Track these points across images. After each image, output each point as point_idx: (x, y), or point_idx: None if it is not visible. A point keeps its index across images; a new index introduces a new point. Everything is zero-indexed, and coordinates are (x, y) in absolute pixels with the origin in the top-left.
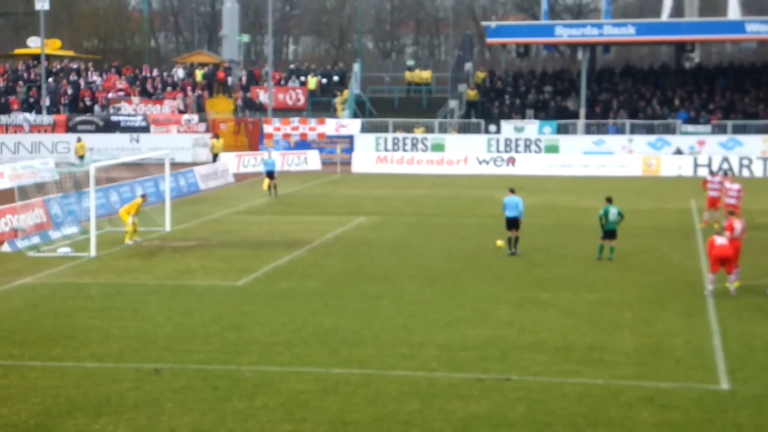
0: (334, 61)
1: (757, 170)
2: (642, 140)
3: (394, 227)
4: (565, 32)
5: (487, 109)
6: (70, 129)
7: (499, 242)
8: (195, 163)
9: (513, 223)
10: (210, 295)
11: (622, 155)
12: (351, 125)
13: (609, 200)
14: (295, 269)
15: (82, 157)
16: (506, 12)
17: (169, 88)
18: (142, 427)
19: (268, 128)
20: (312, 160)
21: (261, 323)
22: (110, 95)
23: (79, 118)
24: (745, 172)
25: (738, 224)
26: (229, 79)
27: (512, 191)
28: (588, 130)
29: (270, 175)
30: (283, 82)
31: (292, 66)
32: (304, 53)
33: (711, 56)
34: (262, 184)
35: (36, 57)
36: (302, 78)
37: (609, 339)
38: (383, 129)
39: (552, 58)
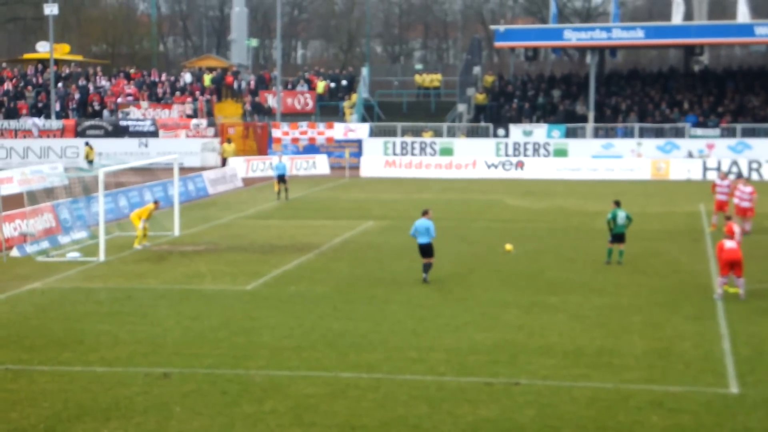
0: (342, 65)
1: (767, 173)
2: (651, 144)
3: (402, 231)
4: (573, 36)
5: (495, 113)
6: (79, 134)
7: (508, 246)
8: (204, 168)
9: (426, 251)
10: (219, 300)
11: (630, 159)
12: (359, 129)
13: (617, 204)
14: (304, 273)
15: (91, 162)
16: (515, 16)
17: (177, 93)
18: (151, 431)
19: (276, 132)
20: (320, 165)
21: (270, 327)
22: (119, 100)
23: (87, 123)
24: (755, 176)
25: (737, 228)
26: (243, 83)
27: (425, 213)
28: (597, 134)
29: (281, 178)
30: (291, 86)
31: (304, 74)
32: (312, 57)
33: (720, 59)
34: (274, 188)
35: (45, 62)
36: (310, 81)
37: (618, 343)
38: (392, 133)
39: (560, 62)
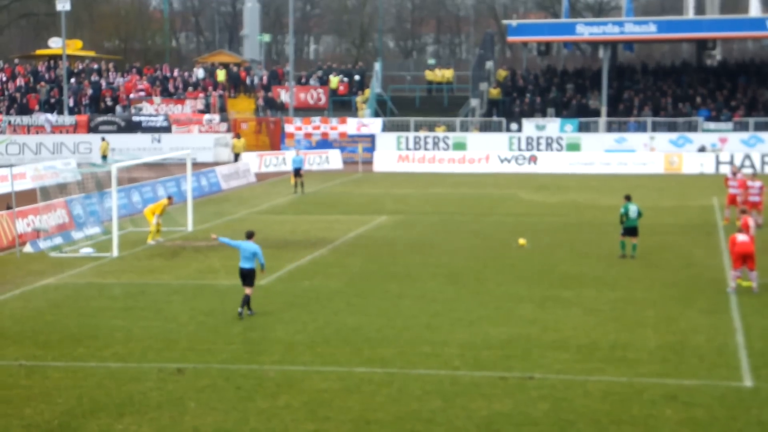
0: (355, 61)
1: None
2: (664, 138)
3: (416, 226)
4: (586, 30)
5: (508, 108)
6: (92, 129)
7: (522, 240)
8: (216, 163)
9: (247, 277)
10: (232, 295)
11: (643, 153)
12: (372, 124)
13: (628, 198)
14: (318, 268)
15: (105, 158)
16: (527, 10)
17: (190, 88)
18: (166, 426)
19: (289, 128)
20: (333, 160)
21: (284, 323)
22: (131, 95)
23: (100, 119)
24: (767, 170)
25: (752, 222)
26: (255, 79)
27: (250, 236)
28: (609, 128)
29: (297, 172)
30: (304, 81)
31: (319, 70)
32: (325, 52)
33: (732, 53)
34: (290, 181)
35: (57, 57)
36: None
37: (632, 337)
38: (405, 128)
39: (573, 56)
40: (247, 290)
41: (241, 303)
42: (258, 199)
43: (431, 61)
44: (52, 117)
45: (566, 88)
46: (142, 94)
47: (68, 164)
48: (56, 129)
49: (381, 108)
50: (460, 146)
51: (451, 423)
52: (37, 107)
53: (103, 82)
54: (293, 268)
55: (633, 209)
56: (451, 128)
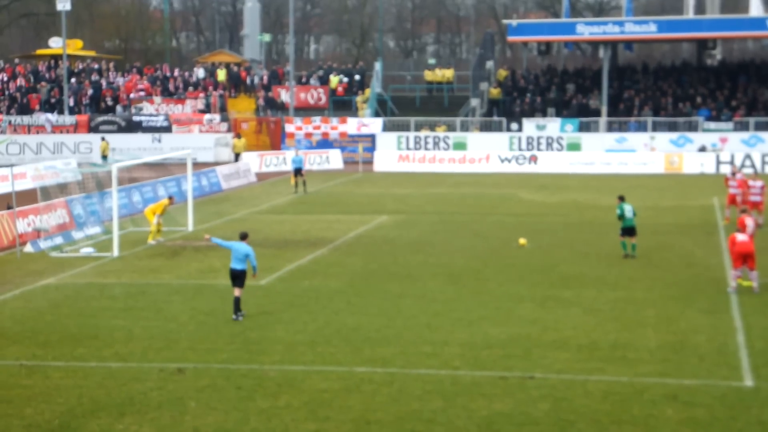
0: (355, 60)
1: None
2: (664, 138)
3: (416, 226)
4: (586, 30)
5: (508, 108)
6: (92, 129)
7: (522, 240)
8: (217, 163)
9: (237, 278)
10: (232, 295)
11: (644, 153)
12: (373, 124)
13: (622, 198)
14: (318, 268)
15: (105, 157)
16: (527, 10)
17: (190, 88)
18: (166, 426)
19: (289, 127)
20: (334, 159)
21: (284, 322)
22: (132, 95)
23: (101, 119)
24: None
25: (750, 221)
26: (255, 79)
27: (244, 238)
28: (610, 128)
29: (297, 171)
30: (304, 81)
31: (321, 70)
32: (325, 52)
33: (733, 53)
34: (291, 181)
35: (58, 57)
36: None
37: (632, 336)
38: (405, 128)
39: (573, 56)
40: (236, 291)
41: (234, 308)
42: (258, 199)
43: (431, 61)
44: (53, 117)
45: (566, 87)
46: (143, 93)
47: (69, 164)
48: (57, 129)
49: (381, 108)
50: (460, 146)
51: (452, 423)
52: (37, 107)
53: (104, 82)
54: (293, 268)
55: (628, 209)
56: (451, 128)
